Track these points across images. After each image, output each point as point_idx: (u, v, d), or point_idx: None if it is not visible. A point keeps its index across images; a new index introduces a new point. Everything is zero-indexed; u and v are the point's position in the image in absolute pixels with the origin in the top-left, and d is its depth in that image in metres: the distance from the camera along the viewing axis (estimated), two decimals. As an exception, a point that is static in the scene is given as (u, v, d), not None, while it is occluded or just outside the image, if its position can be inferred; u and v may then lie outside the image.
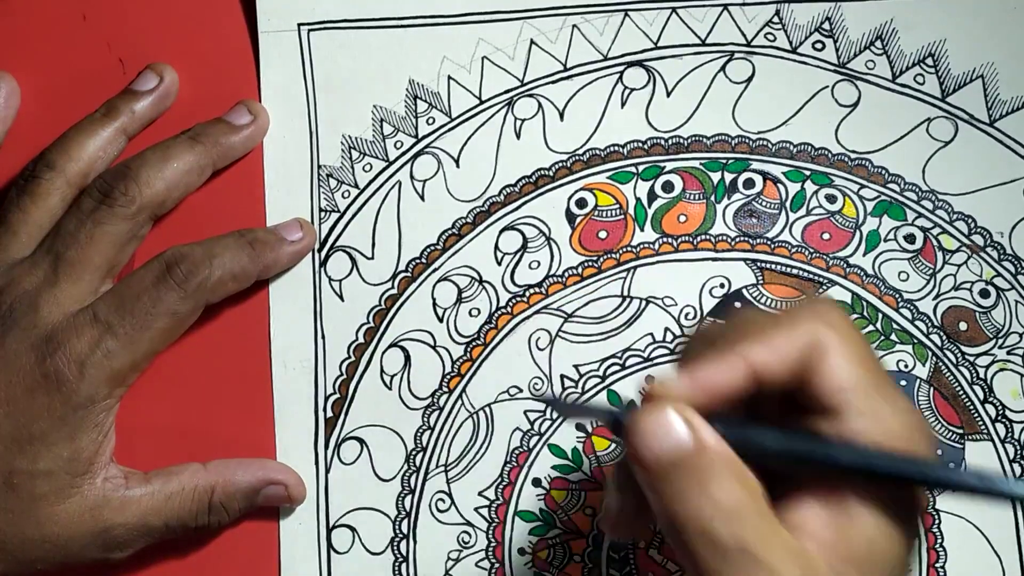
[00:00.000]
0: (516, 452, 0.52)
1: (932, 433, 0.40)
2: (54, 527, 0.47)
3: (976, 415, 0.52)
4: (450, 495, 0.51)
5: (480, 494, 0.51)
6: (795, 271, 0.52)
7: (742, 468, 0.37)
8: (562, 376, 0.52)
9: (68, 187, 0.50)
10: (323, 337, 0.52)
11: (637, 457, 0.37)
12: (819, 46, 0.53)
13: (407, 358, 0.52)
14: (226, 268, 0.49)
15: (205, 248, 0.49)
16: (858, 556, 0.37)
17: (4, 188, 0.52)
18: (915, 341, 0.52)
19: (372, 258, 0.52)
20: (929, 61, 0.53)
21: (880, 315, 0.52)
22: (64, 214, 0.49)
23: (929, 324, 0.52)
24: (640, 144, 0.53)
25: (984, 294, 0.52)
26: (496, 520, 0.51)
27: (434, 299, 0.52)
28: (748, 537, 0.36)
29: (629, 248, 0.52)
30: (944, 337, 0.52)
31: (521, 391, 0.52)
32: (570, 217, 0.52)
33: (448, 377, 0.52)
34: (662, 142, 0.53)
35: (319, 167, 0.52)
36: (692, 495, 0.37)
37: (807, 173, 0.53)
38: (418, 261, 0.52)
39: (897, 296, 0.52)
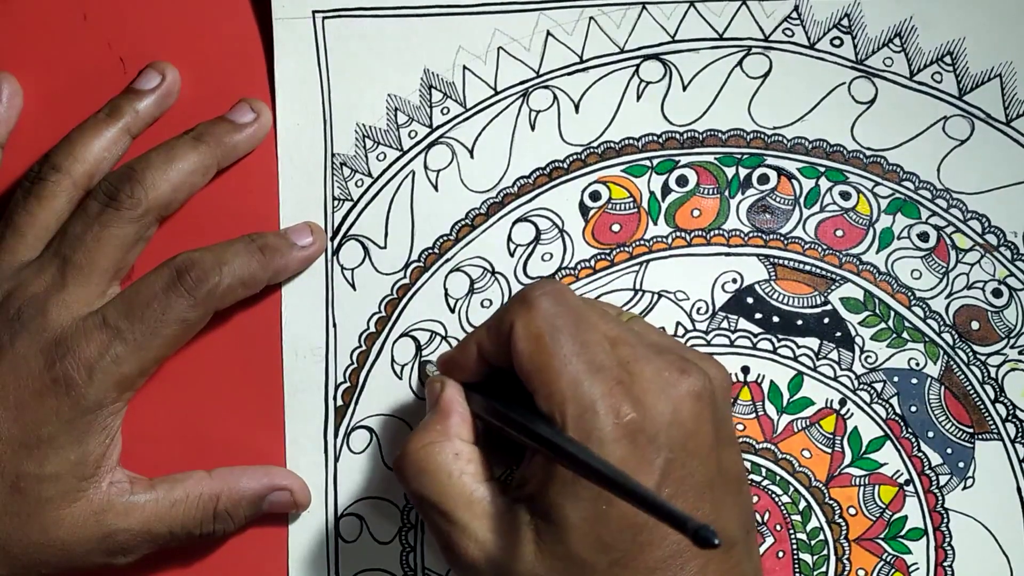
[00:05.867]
0: (526, 444, 0.52)
1: (631, 403, 0.42)
2: (59, 531, 0.47)
3: (986, 414, 0.52)
4: (459, 486, 0.51)
5: (489, 485, 0.51)
6: (808, 267, 0.52)
7: (452, 430, 0.45)
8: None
9: (74, 189, 0.50)
10: (335, 326, 0.52)
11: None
12: (837, 42, 0.52)
13: (418, 348, 0.52)
14: (236, 275, 0.49)
15: (215, 254, 0.49)
16: (547, 512, 0.42)
17: (9, 189, 0.52)
18: (927, 339, 0.52)
19: (385, 247, 0.52)
20: (947, 59, 0.52)
21: (892, 313, 0.52)
22: (70, 217, 0.49)
23: (941, 323, 0.52)
24: (655, 138, 0.53)
25: (997, 293, 0.52)
26: (504, 511, 0.51)
27: (446, 289, 0.52)
28: (430, 490, 0.44)
29: (642, 242, 0.52)
30: (956, 336, 0.52)
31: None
32: (584, 210, 0.52)
33: (459, 368, 0.52)
34: (677, 136, 0.53)
35: (333, 155, 0.52)
36: (402, 447, 0.45)
37: (822, 169, 0.52)
38: (431, 251, 0.52)
39: (909, 294, 0.52)
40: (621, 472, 0.39)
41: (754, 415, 0.52)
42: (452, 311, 0.52)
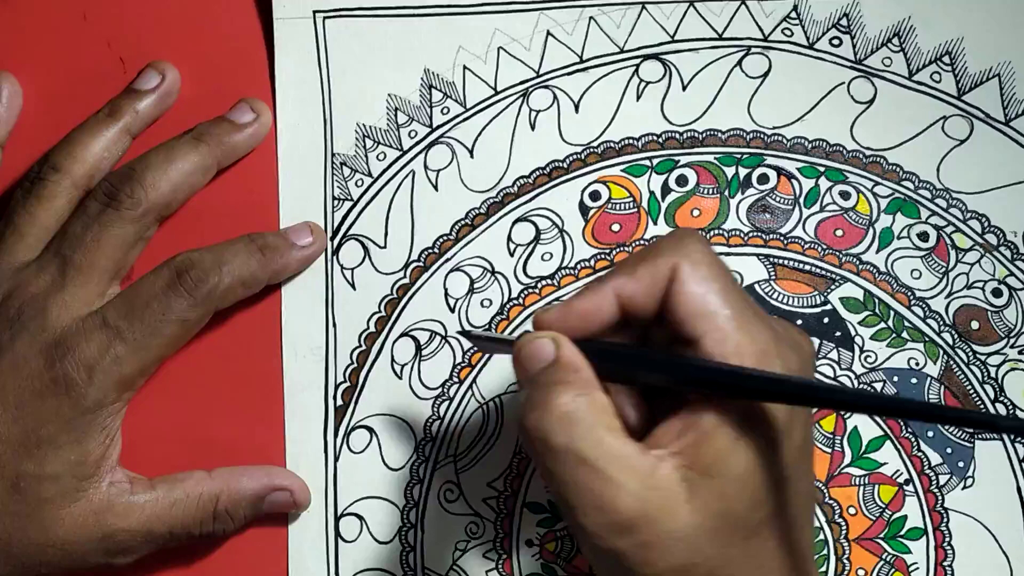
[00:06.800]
0: (525, 444, 0.52)
1: (788, 352, 0.42)
2: (59, 531, 0.47)
3: (986, 414, 0.52)
4: (459, 485, 0.51)
5: (489, 485, 0.51)
6: (808, 267, 0.52)
7: (591, 383, 0.42)
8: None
9: (74, 189, 0.50)
10: (334, 325, 0.52)
11: (519, 378, 0.43)
12: (836, 42, 0.52)
13: (418, 348, 0.52)
14: (235, 275, 0.49)
15: (215, 254, 0.49)
16: (708, 466, 0.40)
17: (9, 189, 0.52)
18: (927, 339, 0.52)
19: (385, 247, 0.52)
20: (946, 59, 0.52)
21: (892, 312, 0.52)
22: (70, 217, 0.49)
23: (941, 322, 0.52)
24: (655, 137, 0.53)
25: (996, 293, 0.52)
26: (504, 511, 0.51)
27: (446, 289, 0.52)
28: (580, 444, 0.40)
29: (642, 241, 0.52)
30: (956, 336, 0.52)
31: (532, 383, 0.52)
32: (583, 209, 0.52)
33: (459, 368, 0.52)
34: (677, 136, 0.53)
35: (333, 155, 0.52)
36: (538, 403, 0.41)
37: (821, 169, 0.53)
38: (431, 251, 0.52)
39: (909, 294, 0.52)
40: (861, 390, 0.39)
41: (754, 415, 0.52)
42: (452, 311, 0.52)
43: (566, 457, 0.41)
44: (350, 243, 0.52)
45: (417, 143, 0.52)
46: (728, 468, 0.41)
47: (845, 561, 0.52)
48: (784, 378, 0.40)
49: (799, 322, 0.52)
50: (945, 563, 0.51)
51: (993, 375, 0.52)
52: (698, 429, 0.41)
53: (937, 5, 0.52)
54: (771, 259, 0.52)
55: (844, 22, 0.52)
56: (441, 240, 0.52)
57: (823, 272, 0.52)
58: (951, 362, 0.52)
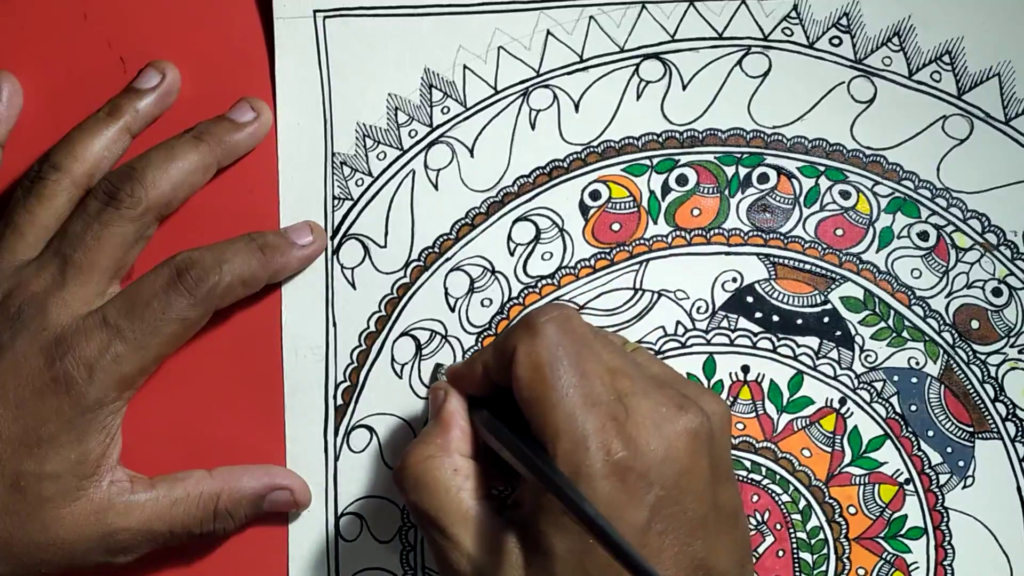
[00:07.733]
0: (526, 443, 0.52)
1: (622, 439, 0.42)
2: (59, 530, 0.47)
3: (986, 413, 0.52)
4: (459, 485, 0.51)
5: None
6: (808, 267, 0.52)
7: (448, 447, 0.45)
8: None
9: (74, 188, 0.50)
10: (334, 325, 0.52)
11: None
12: (836, 41, 0.53)
13: (418, 347, 0.52)
14: (236, 273, 0.49)
15: (215, 253, 0.49)
16: (535, 540, 0.42)
17: (9, 189, 0.52)
18: (927, 339, 0.52)
19: (385, 247, 0.52)
20: (946, 58, 0.52)
21: (892, 312, 0.52)
22: (70, 216, 0.49)
23: (941, 322, 0.52)
24: (655, 137, 0.53)
25: (996, 292, 0.52)
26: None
27: (446, 288, 0.52)
28: (429, 503, 0.44)
29: (642, 241, 0.52)
30: (956, 335, 0.52)
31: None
32: (583, 209, 0.52)
33: (459, 367, 0.52)
34: (677, 135, 0.53)
35: (333, 155, 0.52)
36: (400, 458, 0.45)
37: (821, 168, 0.53)
38: (431, 250, 0.52)
39: (909, 293, 0.52)
40: (600, 516, 0.38)
41: (754, 414, 0.52)
42: (452, 310, 0.52)
43: (415, 513, 0.44)
44: (350, 242, 0.52)
45: (417, 142, 0.52)
46: (552, 545, 0.41)
47: (845, 560, 0.52)
48: (557, 484, 0.40)
49: (799, 321, 0.52)
50: (945, 562, 0.52)
51: (993, 374, 0.52)
52: (531, 502, 0.43)
53: (937, 5, 0.52)
54: (771, 258, 0.52)
55: (844, 21, 0.53)
56: (441, 239, 0.52)
57: (823, 271, 0.52)
58: (951, 361, 0.52)
